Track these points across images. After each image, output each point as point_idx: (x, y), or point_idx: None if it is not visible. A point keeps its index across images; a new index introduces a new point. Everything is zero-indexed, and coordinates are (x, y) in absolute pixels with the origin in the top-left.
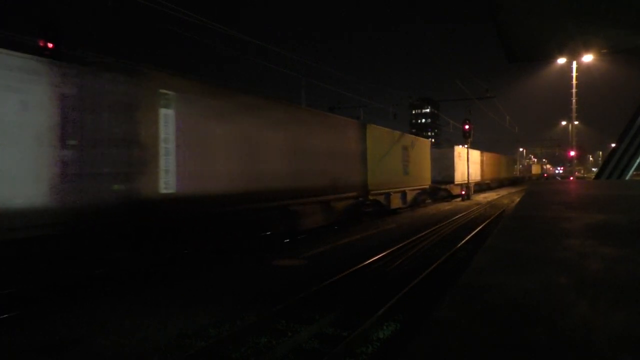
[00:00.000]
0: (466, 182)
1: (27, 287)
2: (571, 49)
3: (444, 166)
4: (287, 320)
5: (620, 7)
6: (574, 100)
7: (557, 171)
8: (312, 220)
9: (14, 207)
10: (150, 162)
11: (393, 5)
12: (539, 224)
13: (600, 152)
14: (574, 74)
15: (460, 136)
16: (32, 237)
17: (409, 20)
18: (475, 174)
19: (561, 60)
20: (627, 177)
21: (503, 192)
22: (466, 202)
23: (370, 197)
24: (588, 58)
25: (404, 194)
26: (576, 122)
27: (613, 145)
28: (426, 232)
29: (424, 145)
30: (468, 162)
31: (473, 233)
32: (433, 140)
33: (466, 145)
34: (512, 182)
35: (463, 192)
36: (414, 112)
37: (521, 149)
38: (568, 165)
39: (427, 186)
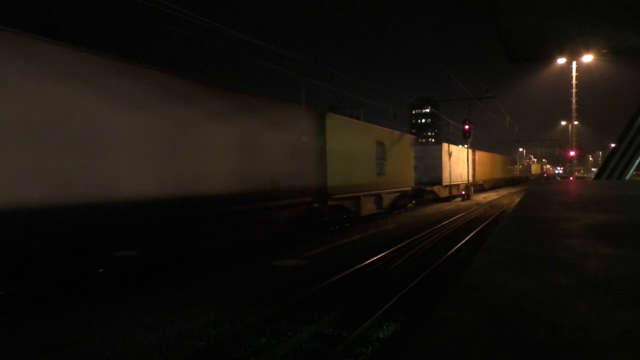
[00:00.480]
0: (456, 183)
1: (28, 287)
2: (571, 49)
3: (431, 166)
4: (287, 320)
5: (620, 7)
6: (574, 100)
7: (557, 171)
8: (236, 238)
9: None
10: None
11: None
12: (539, 224)
13: (600, 152)
14: (574, 74)
15: (460, 136)
16: None
17: (409, 21)
18: (466, 174)
19: (561, 61)
20: (627, 177)
21: (503, 192)
22: (466, 202)
23: (331, 203)
24: (588, 58)
25: (378, 197)
26: (576, 122)
27: (613, 145)
28: (426, 232)
29: (404, 142)
30: (468, 162)
31: (473, 233)
32: (433, 140)
33: (466, 145)
34: (508, 183)
35: (463, 193)
36: (414, 112)
37: (521, 149)
38: (568, 165)
39: (409, 188)
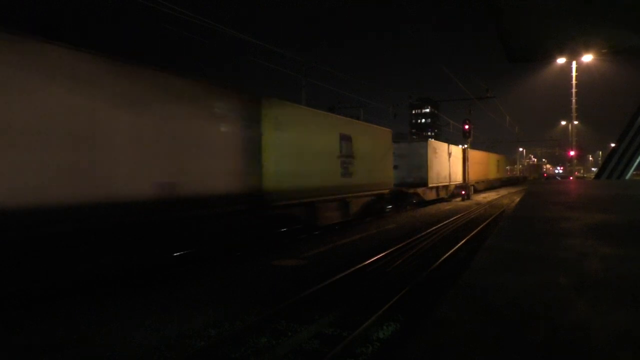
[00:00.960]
0: (445, 184)
1: (28, 287)
2: (571, 49)
3: (415, 165)
4: (287, 320)
5: (620, 7)
6: (573, 100)
7: (557, 171)
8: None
9: None
10: None
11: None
12: (539, 224)
13: (600, 152)
14: (574, 74)
15: (461, 136)
16: None
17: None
18: (457, 175)
19: (561, 60)
20: (627, 177)
21: (503, 192)
22: (466, 202)
23: (271, 212)
24: (588, 58)
25: (343, 203)
26: (576, 122)
27: (613, 145)
28: (426, 232)
29: (381, 137)
30: (466, 162)
31: (473, 233)
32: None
33: (466, 145)
34: (505, 184)
35: (463, 193)
36: (414, 112)
37: (521, 149)
38: (568, 165)
39: (386, 191)
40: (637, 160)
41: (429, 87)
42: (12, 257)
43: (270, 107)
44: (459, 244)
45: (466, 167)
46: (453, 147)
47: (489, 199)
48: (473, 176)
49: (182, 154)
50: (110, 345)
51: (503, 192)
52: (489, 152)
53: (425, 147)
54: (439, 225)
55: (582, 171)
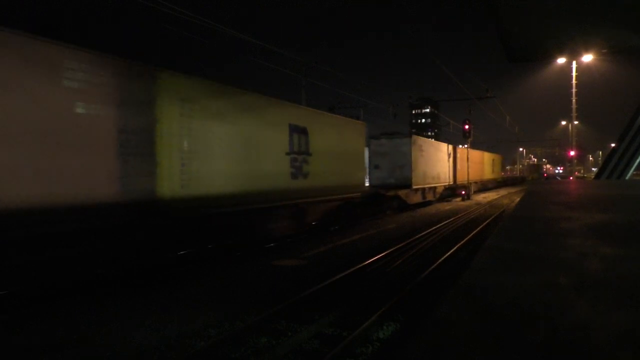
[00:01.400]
0: (432, 185)
1: (29, 287)
2: (571, 49)
3: (397, 164)
4: (287, 320)
5: (620, 7)
6: (574, 100)
7: (557, 171)
8: None
9: None
10: None
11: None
12: (539, 224)
13: (600, 152)
14: (574, 74)
15: (460, 136)
16: None
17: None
18: (446, 175)
19: (561, 60)
20: (627, 177)
21: (503, 192)
22: (466, 202)
23: (174, 225)
24: (588, 58)
25: (296, 210)
26: (576, 122)
27: (613, 145)
28: (426, 232)
29: (350, 131)
30: (468, 162)
31: (473, 233)
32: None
33: (466, 145)
34: (500, 185)
35: (463, 193)
36: (414, 112)
37: (521, 149)
38: (568, 165)
39: (357, 195)
40: (637, 160)
41: (429, 87)
42: None
43: (172, 85)
44: (459, 244)
45: (467, 167)
46: (442, 145)
47: (489, 199)
48: (464, 177)
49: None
50: (110, 345)
51: (503, 192)
52: (484, 151)
53: (409, 144)
54: (439, 225)
55: (582, 171)
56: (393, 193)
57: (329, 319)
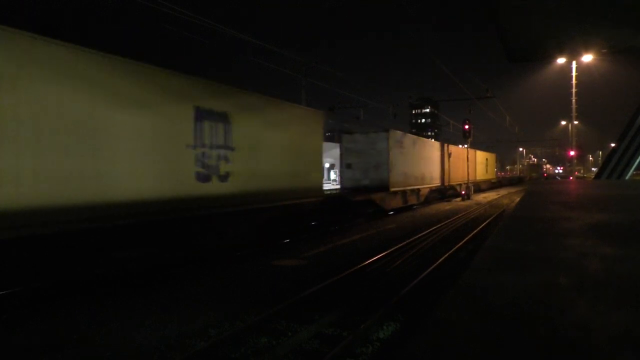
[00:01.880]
0: (415, 187)
1: (29, 287)
2: (571, 49)
3: (372, 163)
4: (287, 320)
5: (620, 7)
6: (573, 100)
7: (557, 171)
8: None
9: None
10: None
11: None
12: (539, 224)
13: (600, 152)
14: (574, 74)
15: (460, 136)
16: None
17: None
18: (432, 176)
19: (561, 60)
20: (627, 177)
21: (503, 192)
22: (466, 202)
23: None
24: (588, 58)
25: (205, 224)
26: (576, 122)
27: (613, 145)
28: (426, 231)
29: (300, 120)
30: (468, 161)
31: (473, 233)
32: (432, 140)
33: (466, 145)
34: (495, 187)
35: (463, 193)
36: (414, 112)
37: (521, 149)
38: (568, 165)
39: (311, 200)
40: (637, 160)
41: (429, 87)
42: None
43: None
44: (459, 244)
45: (467, 167)
46: (428, 142)
47: (489, 199)
48: (456, 177)
49: None
50: (110, 345)
51: (503, 192)
52: (477, 149)
53: (386, 140)
54: (439, 225)
55: (582, 171)
56: (363, 197)
57: (329, 319)
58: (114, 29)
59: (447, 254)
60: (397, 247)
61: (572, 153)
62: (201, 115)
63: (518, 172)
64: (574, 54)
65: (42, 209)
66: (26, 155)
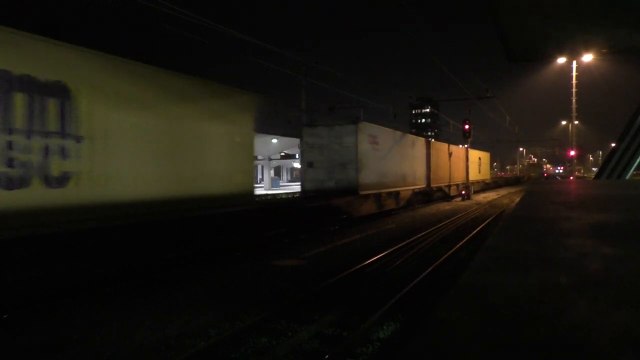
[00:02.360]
0: (393, 189)
1: (29, 287)
2: (571, 49)
3: (338, 161)
4: (287, 320)
5: (620, 7)
6: (574, 100)
7: (557, 171)
8: None
9: None
10: None
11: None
12: (539, 224)
13: (600, 152)
14: (574, 73)
15: (460, 135)
16: None
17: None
18: (415, 176)
19: (561, 60)
20: (627, 177)
21: (503, 192)
22: (466, 202)
23: None
24: (588, 58)
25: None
26: (576, 122)
27: (613, 145)
28: (426, 232)
29: (214, 102)
30: (468, 161)
31: (473, 233)
32: (432, 140)
33: (466, 145)
34: (489, 188)
35: (463, 193)
36: (414, 112)
37: (521, 149)
38: (568, 165)
39: (233, 209)
40: (637, 160)
41: (429, 87)
42: None
43: None
44: (459, 244)
45: (466, 167)
46: (410, 137)
47: (489, 199)
48: (445, 177)
49: None
50: (110, 345)
51: (503, 192)
52: (474, 149)
53: (354, 134)
54: (439, 225)
55: (582, 171)
56: (322, 203)
57: (329, 319)
58: (114, 29)
59: (447, 254)
60: (397, 247)
61: (572, 153)
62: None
63: (518, 172)
64: (574, 54)
65: None
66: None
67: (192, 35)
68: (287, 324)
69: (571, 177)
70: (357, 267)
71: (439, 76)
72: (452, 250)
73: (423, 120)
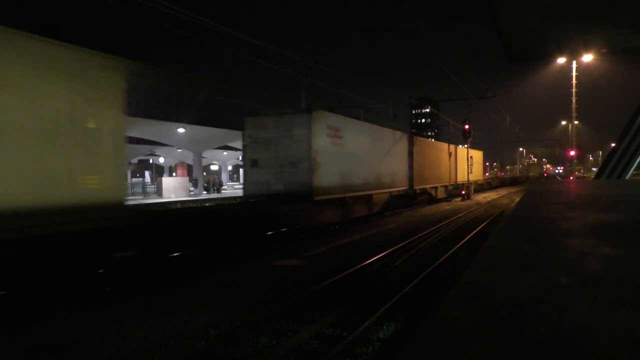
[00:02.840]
0: (362, 193)
1: (28, 287)
2: (571, 49)
3: (288, 158)
4: (287, 320)
5: (620, 7)
6: (574, 100)
7: (557, 171)
8: None
9: None
10: None
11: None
12: (539, 224)
13: (600, 152)
14: (574, 73)
15: (460, 135)
16: None
17: (409, 20)
18: (394, 178)
19: (561, 60)
20: (627, 177)
21: (503, 191)
22: (466, 202)
23: None
24: (588, 58)
25: None
26: (576, 122)
27: (613, 145)
28: (426, 231)
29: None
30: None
31: (473, 233)
32: (433, 140)
33: (466, 145)
34: (482, 189)
35: (463, 192)
36: (414, 112)
37: (521, 149)
38: (568, 165)
39: (94, 225)
40: (637, 160)
41: (429, 87)
42: None
43: None
44: (459, 244)
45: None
46: (386, 131)
47: (489, 199)
48: (431, 178)
49: None
50: (110, 345)
51: (503, 192)
52: (475, 149)
53: (308, 125)
54: (439, 225)
55: (582, 171)
56: (255, 211)
57: (329, 319)
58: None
59: (447, 254)
60: (397, 247)
61: (572, 153)
62: None
63: (518, 172)
64: (574, 54)
65: None
66: None
67: (192, 35)
68: (287, 324)
69: (571, 177)
70: (357, 267)
71: (439, 76)
72: (452, 250)
73: (423, 120)
